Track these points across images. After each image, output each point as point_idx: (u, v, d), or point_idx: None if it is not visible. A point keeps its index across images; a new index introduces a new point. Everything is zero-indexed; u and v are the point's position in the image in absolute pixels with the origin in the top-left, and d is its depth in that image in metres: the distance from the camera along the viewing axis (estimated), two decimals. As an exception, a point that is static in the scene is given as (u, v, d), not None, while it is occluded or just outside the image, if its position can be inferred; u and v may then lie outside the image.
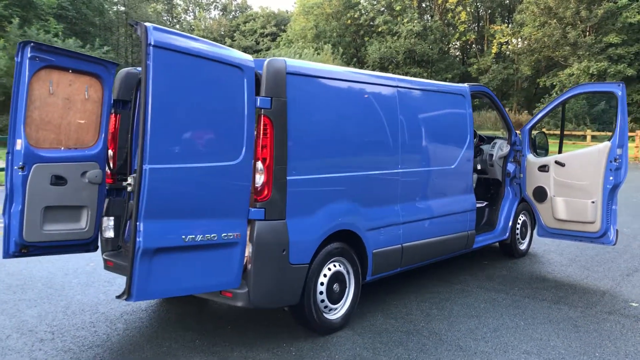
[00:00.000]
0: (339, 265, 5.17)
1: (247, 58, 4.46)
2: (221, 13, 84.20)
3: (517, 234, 7.95)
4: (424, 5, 55.51)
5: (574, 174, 7.08)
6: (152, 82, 3.78)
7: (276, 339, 4.97)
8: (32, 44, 4.89)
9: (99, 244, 5.56)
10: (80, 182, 5.25)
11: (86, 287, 6.47)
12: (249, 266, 4.48)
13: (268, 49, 66.18)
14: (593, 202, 6.88)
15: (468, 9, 53.13)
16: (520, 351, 4.79)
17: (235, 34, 74.82)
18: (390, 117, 5.66)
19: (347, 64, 49.00)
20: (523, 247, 8.16)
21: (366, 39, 53.96)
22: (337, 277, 5.12)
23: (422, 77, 45.53)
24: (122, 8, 53.48)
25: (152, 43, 3.78)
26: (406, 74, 45.05)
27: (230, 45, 71.23)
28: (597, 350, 4.83)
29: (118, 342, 4.91)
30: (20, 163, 4.89)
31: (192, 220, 4.11)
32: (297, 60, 4.88)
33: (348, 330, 5.18)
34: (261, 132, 4.47)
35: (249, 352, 4.69)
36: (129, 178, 3.96)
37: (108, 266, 5.46)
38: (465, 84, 7.08)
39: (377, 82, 5.60)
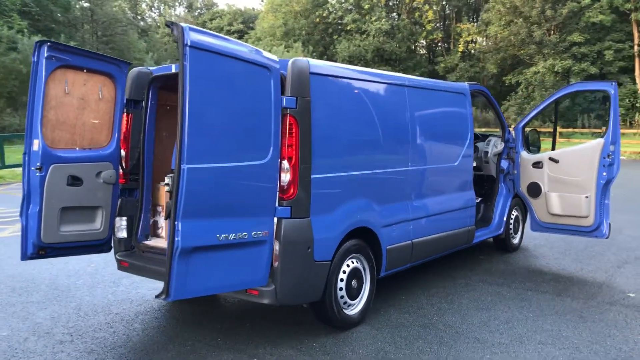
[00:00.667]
0: (356, 262, 5.26)
1: (273, 58, 4.51)
2: (187, 10, 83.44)
3: (511, 228, 8.17)
4: (391, 4, 55.93)
5: (567, 170, 7.31)
6: (189, 82, 3.80)
7: (297, 336, 5.03)
8: (48, 43, 4.84)
9: (112, 244, 5.55)
10: (95, 183, 5.21)
11: (92, 288, 6.42)
12: (276, 264, 4.53)
13: (235, 46, 65.62)
14: (587, 197, 7.12)
15: (435, 8, 53.82)
16: (536, 342, 4.95)
17: (201, 32, 74.05)
18: (401, 116, 5.78)
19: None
20: (516, 241, 8.39)
21: (335, 37, 54.15)
22: (354, 274, 5.21)
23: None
24: (87, 4, 52.35)
25: (189, 43, 3.80)
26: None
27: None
28: (607, 339, 5.03)
29: (140, 342, 4.91)
30: (38, 164, 4.84)
31: (225, 219, 4.15)
32: (318, 61, 4.94)
33: (366, 326, 5.28)
34: (287, 131, 4.53)
35: (274, 349, 4.74)
36: (166, 178, 3.97)
37: (123, 267, 5.45)
38: (465, 83, 7.24)
39: (389, 82, 5.71)
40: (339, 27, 55.12)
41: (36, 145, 4.86)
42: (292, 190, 4.56)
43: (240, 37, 68.14)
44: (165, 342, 4.90)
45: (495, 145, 8.06)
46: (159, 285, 6.38)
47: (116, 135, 5.40)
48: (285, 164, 4.54)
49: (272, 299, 4.55)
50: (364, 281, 5.36)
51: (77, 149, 5.17)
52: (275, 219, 4.55)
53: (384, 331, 5.17)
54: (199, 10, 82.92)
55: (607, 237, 7.21)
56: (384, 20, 50.91)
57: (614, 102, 7.00)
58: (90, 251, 5.38)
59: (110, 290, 6.32)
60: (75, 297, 6.10)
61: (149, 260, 5.33)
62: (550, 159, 7.48)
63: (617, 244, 8.73)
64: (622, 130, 32.36)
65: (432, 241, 6.28)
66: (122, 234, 5.54)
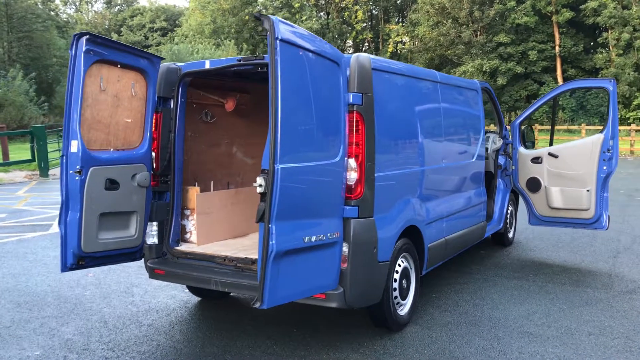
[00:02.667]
0: (405, 261, 5.17)
1: (340, 53, 4.35)
2: (105, 6, 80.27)
3: (507, 223, 8.34)
4: (320, 3, 56.08)
5: (568, 164, 7.52)
6: (281, 78, 3.60)
7: (353, 339, 4.89)
8: (87, 35, 4.46)
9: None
10: (130, 186, 4.87)
11: (105, 299, 6.00)
12: (344, 265, 4.37)
13: (158, 44, 63.99)
14: (588, 190, 7.35)
15: (364, 8, 54.42)
16: (585, 333, 5.04)
17: (122, 29, 71.77)
18: (437, 113, 5.76)
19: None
20: (510, 235, 8.57)
21: (265, 35, 53.67)
22: (404, 273, 5.13)
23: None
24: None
25: (279, 37, 3.60)
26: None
27: (117, 40, 68.33)
28: (649, 327, 5.21)
29: (192, 355, 4.61)
30: (78, 167, 4.45)
31: (307, 221, 3.96)
32: (376, 57, 4.81)
33: (415, 326, 5.20)
34: (354, 128, 4.38)
35: (337, 354, 4.58)
36: (257, 179, 3.71)
37: (157, 275, 5.11)
38: (475, 80, 7.31)
39: (428, 78, 5.67)
40: (269, 25, 54.68)
41: (75, 146, 4.46)
42: (359, 189, 4.41)
43: (163, 35, 66.59)
44: (219, 353, 4.62)
45: (494, 142, 8.17)
46: (178, 294, 6.09)
47: (147, 134, 5.06)
48: (352, 162, 4.39)
49: (340, 302, 4.38)
50: (411, 280, 5.29)
51: (112, 149, 4.80)
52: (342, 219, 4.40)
53: (436, 330, 5.11)
54: (118, 7, 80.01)
55: (606, 229, 7.48)
56: (314, 19, 51.03)
57: (613, 98, 7.26)
58: (124, 259, 5.02)
59: (127, 301, 5.93)
60: (93, 309, 5.68)
61: (187, 267, 5.03)
62: (550, 154, 7.67)
63: (599, 235, 9.07)
64: (547, 127, 33.96)
65: (459, 237, 6.30)
66: (153, 239, 5.21)
